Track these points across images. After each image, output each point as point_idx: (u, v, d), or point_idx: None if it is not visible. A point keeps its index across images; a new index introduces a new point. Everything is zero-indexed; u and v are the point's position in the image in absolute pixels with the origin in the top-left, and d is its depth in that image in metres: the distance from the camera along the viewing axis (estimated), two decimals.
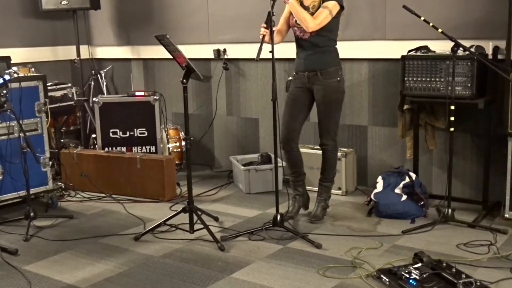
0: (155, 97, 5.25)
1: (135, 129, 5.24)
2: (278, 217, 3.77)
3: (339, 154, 4.32)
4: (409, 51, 4.25)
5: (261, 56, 3.64)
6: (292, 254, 3.52)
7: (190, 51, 4.83)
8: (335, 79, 3.95)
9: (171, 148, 5.41)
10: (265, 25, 3.73)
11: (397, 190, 4.17)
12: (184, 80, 3.77)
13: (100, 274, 3.32)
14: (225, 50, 5.49)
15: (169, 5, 5.80)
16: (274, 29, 3.73)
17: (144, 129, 5.25)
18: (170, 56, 3.86)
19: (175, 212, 3.97)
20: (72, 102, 5.61)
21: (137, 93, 5.33)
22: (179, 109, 5.77)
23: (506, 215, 3.87)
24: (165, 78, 5.98)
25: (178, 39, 4.91)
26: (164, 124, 5.46)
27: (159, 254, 3.58)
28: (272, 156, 4.05)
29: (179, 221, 3.96)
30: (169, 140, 5.41)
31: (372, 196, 4.23)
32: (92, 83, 6.13)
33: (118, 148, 5.21)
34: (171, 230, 3.95)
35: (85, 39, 6.28)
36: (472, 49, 3.91)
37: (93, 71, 6.16)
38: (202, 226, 3.78)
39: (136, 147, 5.25)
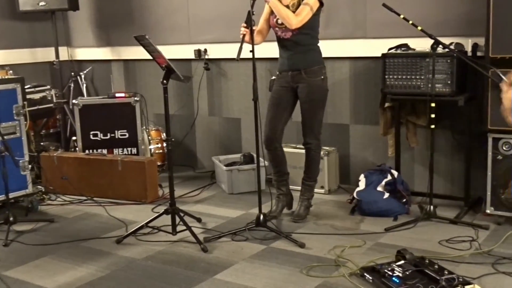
0: (135, 98, 5.21)
1: (116, 131, 5.20)
2: (261, 217, 3.76)
3: (321, 153, 4.32)
4: (390, 49, 4.26)
5: (242, 56, 3.63)
6: (275, 254, 3.51)
7: (170, 52, 4.80)
8: (319, 78, 3.95)
9: (152, 150, 5.37)
10: (245, 25, 3.72)
11: (379, 188, 4.18)
12: (165, 81, 3.75)
13: (81, 278, 3.27)
14: (205, 50, 5.47)
15: (149, 5, 5.75)
16: (254, 28, 3.73)
17: (125, 130, 5.21)
18: (150, 57, 3.84)
19: (157, 214, 3.93)
20: (52, 105, 5.55)
21: (117, 95, 5.29)
22: (160, 110, 5.71)
23: (488, 211, 3.89)
24: (146, 79, 5.94)
25: (159, 40, 4.88)
26: (146, 126, 5.42)
27: (142, 257, 3.54)
28: (255, 156, 4.04)
29: (161, 223, 3.92)
30: (151, 141, 5.37)
31: (354, 194, 4.24)
32: (72, 85, 6.07)
33: (99, 150, 5.15)
34: (153, 232, 3.91)
35: (64, 40, 6.23)
36: (452, 47, 3.93)
37: (72, 73, 6.10)
38: (184, 227, 3.76)
39: (117, 149, 5.21)
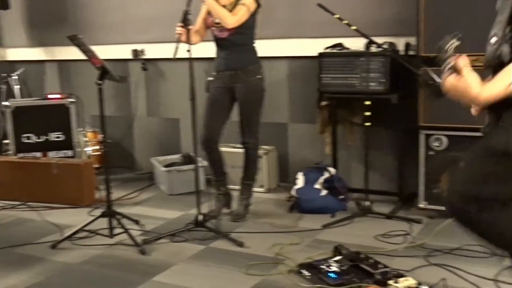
0: (70, 99, 5.08)
1: (50, 134, 5.05)
2: (200, 217, 3.74)
3: (260, 152, 4.34)
4: (326, 48, 4.33)
5: (180, 56, 3.59)
6: (215, 253, 3.50)
7: (106, 52, 4.71)
8: (256, 77, 3.97)
9: (90, 152, 5.25)
10: (181, 24, 3.69)
11: (317, 185, 4.24)
12: (99, 81, 3.68)
13: (14, 285, 3.16)
14: (142, 51, 5.39)
15: (83, 4, 5.62)
16: (190, 27, 3.70)
17: (60, 133, 5.08)
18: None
19: (93, 218, 3.85)
20: None
21: (51, 96, 5.15)
22: (97, 111, 5.59)
23: (421, 205, 4.01)
24: (82, 80, 5.79)
25: (95, 39, 4.80)
26: (82, 127, 5.30)
27: (78, 261, 3.46)
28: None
29: (98, 226, 3.83)
30: (88, 143, 5.25)
31: (293, 192, 4.28)
32: (4, 87, 5.86)
33: (33, 153, 5.00)
34: (90, 236, 3.82)
35: None
36: (385, 46, 4.03)
37: (4, 74, 5.88)
38: (122, 230, 3.69)
39: (52, 152, 5.06)
